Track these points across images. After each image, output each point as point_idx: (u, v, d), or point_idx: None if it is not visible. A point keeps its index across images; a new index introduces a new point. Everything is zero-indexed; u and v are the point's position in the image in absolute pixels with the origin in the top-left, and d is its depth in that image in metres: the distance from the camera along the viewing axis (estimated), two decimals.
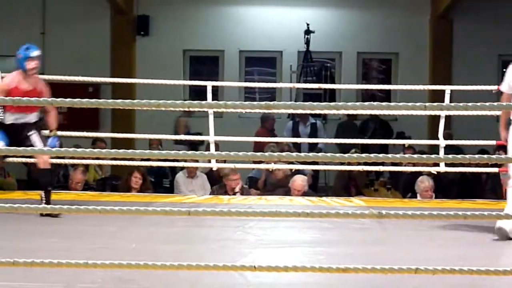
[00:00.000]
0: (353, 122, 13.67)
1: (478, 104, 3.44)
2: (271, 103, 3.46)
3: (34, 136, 6.98)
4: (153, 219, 6.61)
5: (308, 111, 10.06)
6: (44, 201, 6.97)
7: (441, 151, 8.80)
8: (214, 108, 7.58)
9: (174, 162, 9.66)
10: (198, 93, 13.73)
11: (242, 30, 14.64)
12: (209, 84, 8.88)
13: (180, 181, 10.21)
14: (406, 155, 6.86)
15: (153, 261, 3.54)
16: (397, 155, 4.10)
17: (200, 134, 11.08)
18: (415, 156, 4.10)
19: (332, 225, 6.59)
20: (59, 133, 7.36)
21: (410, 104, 3.50)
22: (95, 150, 8.83)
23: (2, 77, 7.65)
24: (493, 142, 9.00)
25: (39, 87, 7.08)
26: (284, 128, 12.88)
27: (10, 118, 6.98)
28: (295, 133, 12.36)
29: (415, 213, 3.49)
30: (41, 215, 6.75)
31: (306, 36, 13.72)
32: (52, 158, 7.01)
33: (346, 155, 3.62)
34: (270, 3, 14.69)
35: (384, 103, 3.60)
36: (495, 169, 9.13)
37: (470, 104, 3.43)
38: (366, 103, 3.59)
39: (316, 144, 11.91)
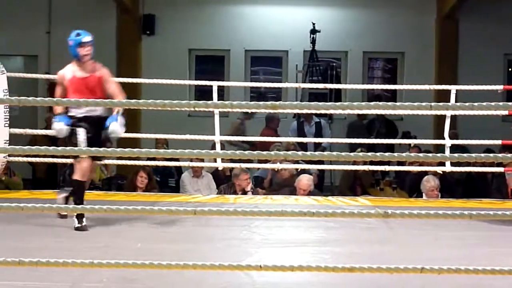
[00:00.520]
0: (362, 122, 13.68)
1: (484, 103, 3.43)
2: (277, 103, 3.46)
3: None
4: (158, 219, 6.62)
5: (314, 111, 10.05)
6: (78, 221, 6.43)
7: (447, 151, 8.79)
8: (220, 108, 7.61)
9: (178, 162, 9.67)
10: (203, 93, 13.75)
11: (247, 30, 14.64)
12: (215, 84, 8.89)
13: (185, 181, 10.21)
14: (412, 154, 6.85)
15: (159, 260, 3.54)
16: (403, 154, 4.09)
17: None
18: (421, 155, 4.09)
19: (338, 224, 6.59)
20: None
21: (416, 103, 3.49)
22: (101, 149, 8.89)
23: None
24: (499, 142, 8.99)
25: (97, 73, 6.71)
26: (289, 128, 12.86)
27: (80, 111, 6.57)
28: (300, 133, 12.35)
29: (420, 213, 3.49)
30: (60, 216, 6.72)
31: (312, 36, 13.71)
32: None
33: (352, 154, 3.62)
34: (276, 2, 14.68)
35: (390, 103, 3.60)
36: (501, 169, 9.13)
37: (476, 103, 3.43)
38: (372, 103, 3.59)
39: (321, 143, 11.90)
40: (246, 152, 3.49)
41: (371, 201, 8.60)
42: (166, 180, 11.03)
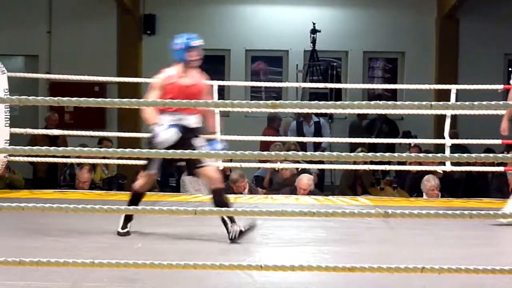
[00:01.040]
0: (362, 122, 13.68)
1: (484, 103, 3.43)
2: (278, 102, 3.46)
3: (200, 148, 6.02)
4: (159, 218, 6.62)
5: (314, 110, 10.05)
6: (231, 225, 5.92)
7: (447, 150, 8.79)
8: (220, 107, 7.63)
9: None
10: None
11: (248, 29, 14.65)
12: (215, 83, 8.90)
13: (186, 181, 10.20)
14: (412, 154, 6.85)
15: (159, 260, 3.54)
16: (403, 154, 4.10)
17: None
18: (421, 155, 4.09)
19: (338, 224, 6.59)
20: (66, 132, 7.26)
21: (416, 103, 3.50)
22: (102, 149, 8.89)
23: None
24: (499, 141, 9.00)
25: (200, 84, 6.26)
26: (288, 128, 12.87)
27: (169, 119, 6.11)
28: (300, 133, 12.35)
29: (421, 212, 3.49)
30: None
31: (312, 35, 13.72)
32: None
33: (352, 154, 3.62)
34: (277, 2, 14.68)
35: (390, 102, 3.60)
36: (501, 168, 9.13)
37: (476, 103, 3.43)
38: (372, 102, 3.58)
39: (321, 143, 11.89)
40: (246, 152, 3.49)
41: (371, 201, 8.59)
42: (167, 179, 11.04)
